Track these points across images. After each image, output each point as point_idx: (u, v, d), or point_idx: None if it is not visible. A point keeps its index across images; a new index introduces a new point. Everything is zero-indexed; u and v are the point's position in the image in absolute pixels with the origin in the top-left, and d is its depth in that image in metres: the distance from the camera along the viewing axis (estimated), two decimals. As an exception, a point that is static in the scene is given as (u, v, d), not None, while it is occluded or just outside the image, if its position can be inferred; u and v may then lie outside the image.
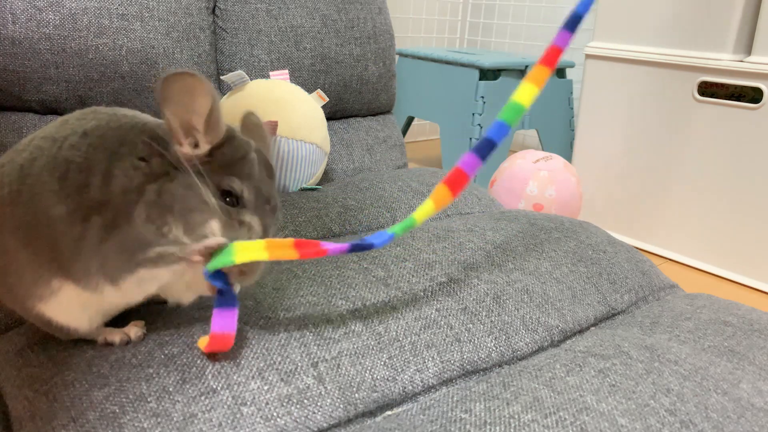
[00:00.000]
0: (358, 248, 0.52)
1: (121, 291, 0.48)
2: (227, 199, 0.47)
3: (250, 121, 0.55)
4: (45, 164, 0.47)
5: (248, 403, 0.48)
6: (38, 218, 0.46)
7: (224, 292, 0.49)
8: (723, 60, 1.35)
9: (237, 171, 0.48)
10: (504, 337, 0.61)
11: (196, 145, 0.47)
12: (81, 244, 0.46)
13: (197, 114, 0.46)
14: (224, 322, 0.49)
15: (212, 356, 0.51)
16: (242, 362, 0.50)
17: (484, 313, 0.62)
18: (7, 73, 0.87)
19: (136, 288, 0.49)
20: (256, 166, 0.49)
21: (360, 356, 0.54)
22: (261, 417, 0.47)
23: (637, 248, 0.91)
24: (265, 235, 0.49)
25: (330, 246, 0.49)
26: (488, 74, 1.74)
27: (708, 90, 1.39)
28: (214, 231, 0.47)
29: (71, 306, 0.50)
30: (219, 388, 0.48)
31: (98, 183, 0.46)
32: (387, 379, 0.53)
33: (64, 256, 0.47)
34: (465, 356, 0.57)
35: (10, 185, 0.48)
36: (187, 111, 0.46)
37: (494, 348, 0.59)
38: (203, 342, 0.50)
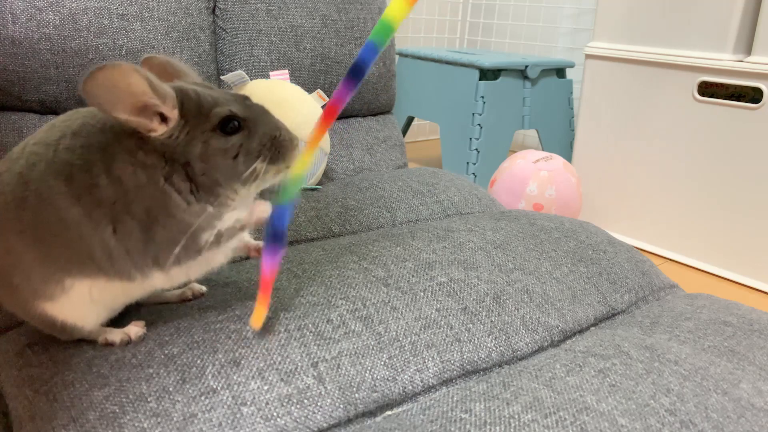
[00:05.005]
0: (357, 72, 0.49)
1: (171, 277, 0.51)
2: (230, 126, 0.48)
3: (155, 63, 0.52)
4: (46, 169, 0.47)
5: (248, 403, 0.48)
6: (50, 221, 0.47)
7: (277, 234, 0.51)
8: (723, 60, 1.35)
9: (206, 106, 0.48)
10: (504, 337, 0.61)
11: (163, 119, 0.46)
12: (121, 246, 0.47)
13: (143, 94, 0.44)
14: (273, 262, 0.52)
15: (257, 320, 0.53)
16: (242, 362, 0.50)
17: (484, 313, 0.62)
18: (7, 73, 0.87)
19: (196, 268, 0.52)
20: (208, 90, 0.49)
21: (360, 356, 0.54)
22: (261, 417, 0.47)
23: (637, 248, 0.91)
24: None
25: (339, 90, 0.49)
26: (488, 74, 1.73)
27: (708, 90, 1.39)
28: (259, 169, 0.49)
29: (81, 303, 0.51)
30: (219, 388, 0.48)
31: (105, 183, 0.46)
32: (387, 379, 0.53)
33: (94, 256, 0.48)
34: (465, 356, 0.57)
35: (13, 192, 0.48)
36: (132, 100, 0.44)
37: (494, 348, 0.59)
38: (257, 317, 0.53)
